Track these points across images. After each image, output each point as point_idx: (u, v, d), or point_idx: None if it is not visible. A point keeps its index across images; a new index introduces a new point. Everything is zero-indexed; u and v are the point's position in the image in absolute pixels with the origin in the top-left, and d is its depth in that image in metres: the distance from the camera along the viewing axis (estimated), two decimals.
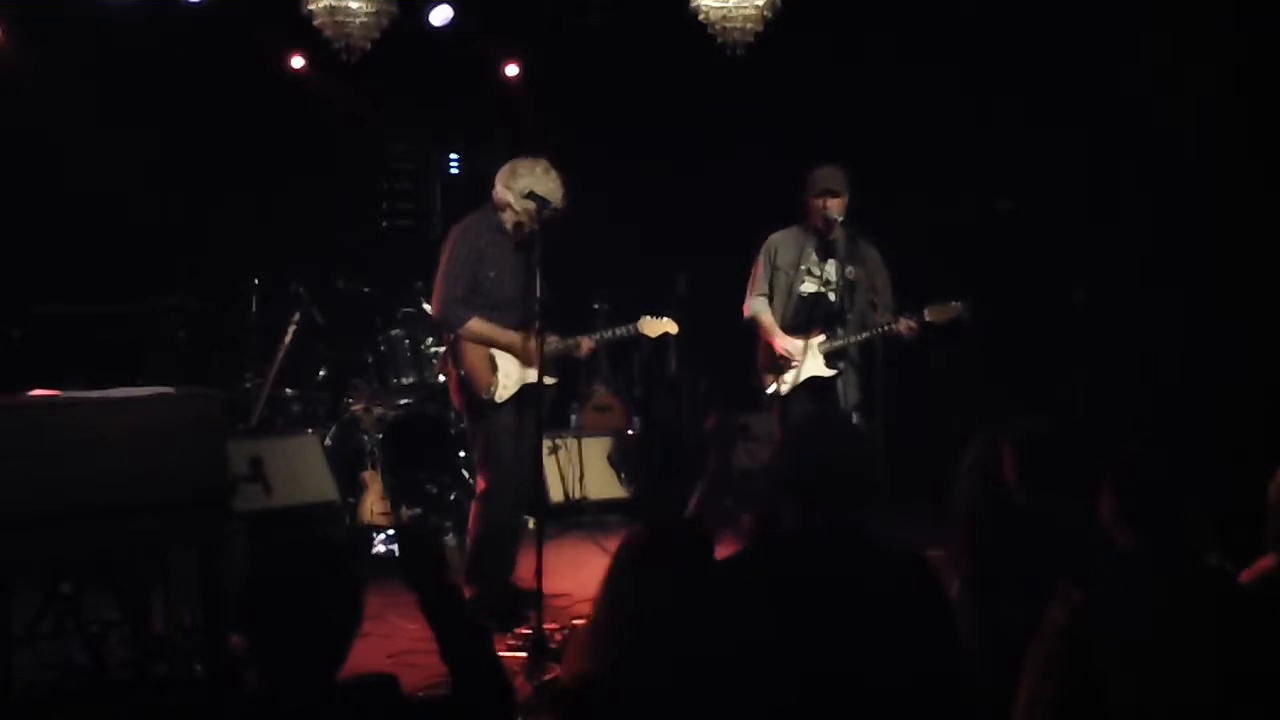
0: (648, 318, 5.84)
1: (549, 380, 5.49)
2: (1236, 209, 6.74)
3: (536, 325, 5.24)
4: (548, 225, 5.35)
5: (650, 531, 3.05)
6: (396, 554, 2.72)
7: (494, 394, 5.41)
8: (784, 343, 6.04)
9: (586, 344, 5.72)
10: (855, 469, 2.91)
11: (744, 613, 2.74)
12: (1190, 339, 6.87)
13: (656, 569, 2.90)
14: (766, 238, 6.20)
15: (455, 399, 5.63)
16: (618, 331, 5.87)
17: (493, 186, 5.49)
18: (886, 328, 5.91)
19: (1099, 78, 7.21)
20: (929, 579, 2.87)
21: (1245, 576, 3.26)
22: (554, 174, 5.42)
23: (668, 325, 5.85)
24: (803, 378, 5.99)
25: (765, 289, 6.14)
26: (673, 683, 2.65)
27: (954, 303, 5.97)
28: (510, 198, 5.40)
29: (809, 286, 6.09)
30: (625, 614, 2.85)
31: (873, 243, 6.08)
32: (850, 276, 6.02)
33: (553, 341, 5.57)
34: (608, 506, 7.81)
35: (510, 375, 5.44)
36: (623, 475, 8.08)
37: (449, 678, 2.57)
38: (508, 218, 5.44)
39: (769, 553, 2.94)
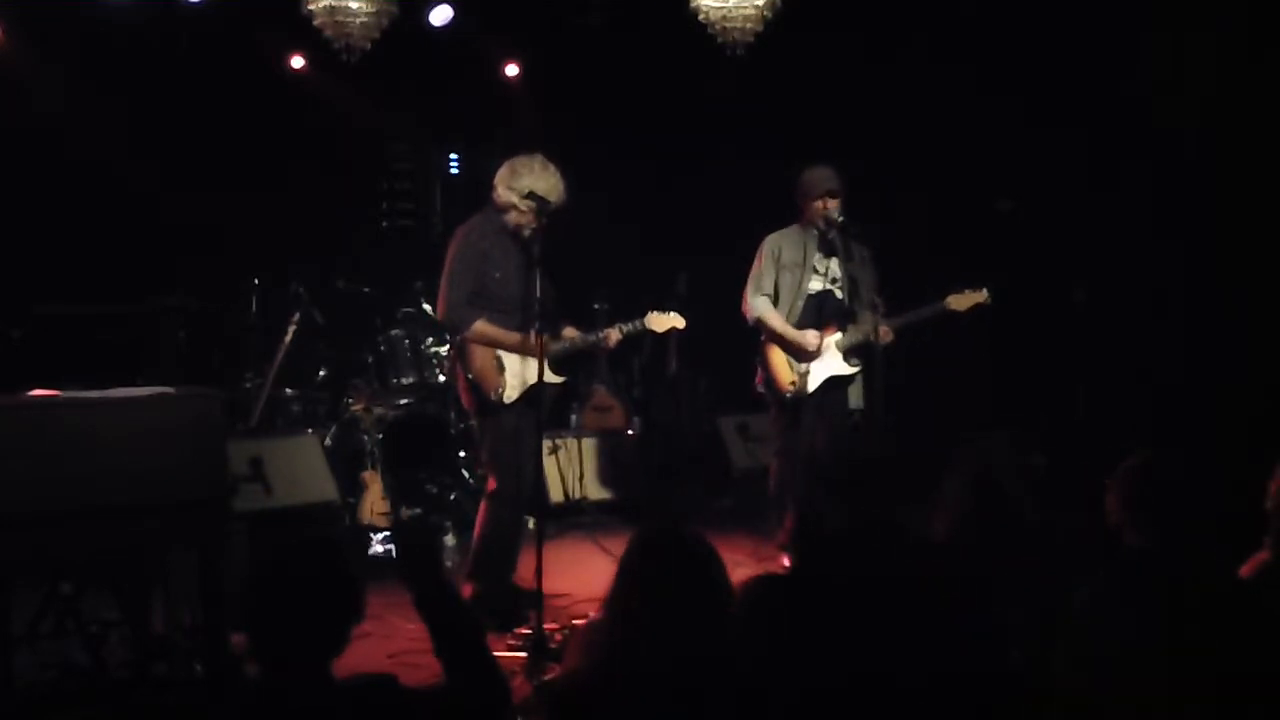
0: (655, 312, 5.82)
1: (557, 379, 5.48)
2: (1236, 209, 6.73)
3: (537, 324, 5.24)
4: (549, 222, 5.35)
5: (655, 533, 3.04)
6: (393, 554, 2.73)
7: (502, 395, 5.42)
8: (804, 336, 5.97)
9: (615, 335, 5.65)
10: (898, 465, 2.92)
11: (804, 616, 2.73)
12: (1190, 339, 6.87)
13: (658, 571, 2.89)
14: (764, 238, 6.17)
15: (465, 400, 5.63)
16: (625, 327, 5.85)
17: (493, 188, 5.50)
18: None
19: (1099, 78, 7.21)
20: (971, 575, 2.88)
21: (1242, 572, 3.28)
22: (551, 168, 5.42)
23: (674, 320, 5.81)
24: (823, 377, 5.97)
25: (770, 288, 6.08)
26: (664, 684, 2.64)
27: (983, 290, 5.89)
28: (514, 198, 5.40)
29: (816, 284, 6.06)
30: (622, 614, 2.84)
31: (864, 242, 6.03)
32: (852, 272, 6.01)
33: (578, 336, 5.59)
34: (608, 506, 7.81)
35: (517, 375, 5.44)
36: (622, 476, 8.07)
37: (444, 673, 2.57)
38: (512, 218, 5.45)
39: (827, 554, 2.93)
